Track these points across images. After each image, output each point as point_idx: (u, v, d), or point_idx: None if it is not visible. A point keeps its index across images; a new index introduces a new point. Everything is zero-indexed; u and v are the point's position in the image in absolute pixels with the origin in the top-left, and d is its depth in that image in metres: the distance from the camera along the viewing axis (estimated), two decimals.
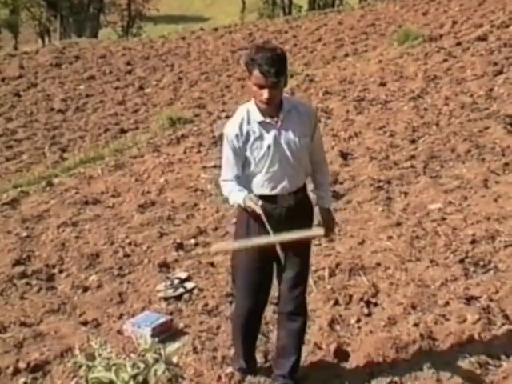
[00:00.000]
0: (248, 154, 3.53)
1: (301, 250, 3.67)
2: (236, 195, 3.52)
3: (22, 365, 4.28)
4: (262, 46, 3.43)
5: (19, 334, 4.64)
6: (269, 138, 3.50)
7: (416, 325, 4.38)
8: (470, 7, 19.15)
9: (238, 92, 14.80)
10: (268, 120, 3.50)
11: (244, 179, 3.57)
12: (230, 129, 3.56)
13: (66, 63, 18.38)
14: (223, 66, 17.53)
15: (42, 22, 41.49)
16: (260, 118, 3.50)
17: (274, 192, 3.58)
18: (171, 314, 4.82)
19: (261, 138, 3.51)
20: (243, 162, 3.56)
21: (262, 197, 3.54)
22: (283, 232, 3.48)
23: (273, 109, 3.49)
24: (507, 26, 13.13)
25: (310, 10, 33.93)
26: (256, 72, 3.36)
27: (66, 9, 39.71)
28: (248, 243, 3.58)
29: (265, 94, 3.38)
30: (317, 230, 3.73)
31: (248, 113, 3.51)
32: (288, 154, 3.53)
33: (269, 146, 3.50)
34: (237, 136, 3.52)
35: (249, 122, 3.52)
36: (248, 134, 3.51)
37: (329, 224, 3.83)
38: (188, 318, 4.79)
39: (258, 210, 3.41)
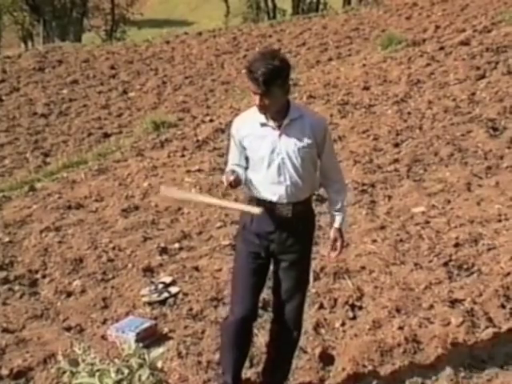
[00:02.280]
0: (248, 152, 3.55)
1: (298, 262, 3.63)
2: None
3: (4, 371, 4.23)
4: (262, 54, 3.42)
5: (1, 341, 4.59)
6: (268, 141, 3.49)
7: (400, 328, 4.39)
8: (453, 12, 19.30)
9: (222, 96, 14.80)
10: (270, 124, 3.49)
11: (248, 179, 3.59)
12: (235, 123, 3.64)
13: (49, 67, 18.27)
14: (207, 70, 17.52)
15: (24, 26, 41.22)
16: (263, 120, 3.50)
17: (271, 198, 3.54)
18: (156, 318, 4.79)
19: (261, 139, 3.51)
20: (246, 158, 3.58)
21: (260, 201, 3.55)
22: (276, 242, 3.56)
23: (276, 114, 3.47)
24: (489, 31, 13.24)
25: (294, 15, 34.00)
26: (249, 79, 3.38)
27: (49, 13, 39.52)
28: (192, 197, 3.65)
29: (256, 100, 3.39)
30: (254, 208, 3.65)
31: (255, 112, 3.51)
32: (287, 162, 3.49)
33: (267, 150, 3.49)
34: (237, 130, 3.58)
35: (252, 121, 3.53)
36: (249, 131, 3.53)
37: (335, 244, 3.75)
38: (172, 322, 4.77)
39: (225, 184, 3.41)
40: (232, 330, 3.69)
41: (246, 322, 3.67)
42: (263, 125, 3.51)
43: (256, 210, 3.52)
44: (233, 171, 3.46)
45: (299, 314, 3.75)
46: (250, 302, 3.67)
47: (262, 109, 3.42)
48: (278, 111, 3.46)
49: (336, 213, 3.73)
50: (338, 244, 3.73)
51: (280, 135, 3.48)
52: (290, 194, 3.53)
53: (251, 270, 3.64)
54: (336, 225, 3.73)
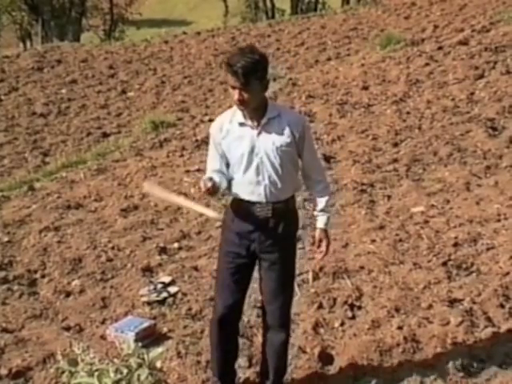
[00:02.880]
0: (227, 153, 3.54)
1: (280, 261, 3.61)
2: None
3: (3, 371, 4.23)
4: (241, 49, 3.43)
5: (0, 341, 4.59)
6: (246, 141, 3.48)
7: (400, 328, 4.39)
8: (452, 12, 19.32)
9: (221, 96, 14.79)
10: (248, 123, 3.49)
11: (229, 179, 3.58)
12: (214, 124, 3.62)
13: (48, 67, 18.26)
14: (206, 69, 17.51)
15: (23, 25, 41.18)
16: (241, 119, 3.49)
17: (250, 198, 3.54)
18: (155, 318, 4.79)
19: (239, 139, 3.50)
20: (226, 161, 3.57)
21: (240, 201, 3.56)
22: (257, 242, 3.56)
23: (254, 113, 3.46)
24: (488, 31, 13.25)
25: (292, 14, 33.99)
26: (228, 73, 3.38)
27: (47, 13, 39.46)
28: (169, 198, 3.71)
29: (235, 95, 3.37)
30: (212, 213, 3.64)
31: (233, 112, 3.52)
32: (265, 161, 3.48)
33: (245, 149, 3.48)
34: (216, 131, 3.57)
35: (231, 122, 3.53)
36: (228, 132, 3.52)
37: (320, 245, 3.74)
38: (172, 322, 4.77)
39: (203, 188, 3.40)
40: (215, 329, 3.75)
41: (227, 320, 3.68)
42: (241, 124, 3.50)
43: (212, 214, 3.57)
44: (210, 178, 3.44)
45: (284, 314, 3.71)
46: (232, 302, 3.66)
47: (241, 104, 3.39)
48: (256, 109, 3.45)
49: (320, 213, 3.70)
50: (324, 245, 3.71)
51: (258, 134, 3.48)
52: (269, 194, 3.51)
53: (232, 269, 3.63)
54: (320, 225, 3.71)
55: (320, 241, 3.71)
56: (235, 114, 3.51)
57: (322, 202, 3.69)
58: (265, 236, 3.57)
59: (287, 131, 3.48)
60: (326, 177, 3.80)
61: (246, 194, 3.55)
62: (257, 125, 3.48)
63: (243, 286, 3.70)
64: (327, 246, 3.72)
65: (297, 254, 3.78)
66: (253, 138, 3.48)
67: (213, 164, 3.61)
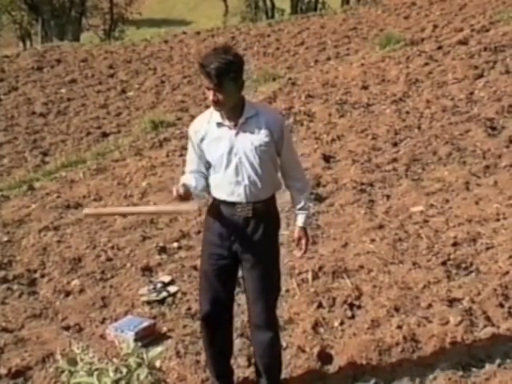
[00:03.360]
0: (207, 154, 3.54)
1: (261, 262, 3.58)
2: None
3: (3, 371, 4.24)
4: (215, 49, 3.41)
5: (0, 340, 4.60)
6: (225, 141, 3.47)
7: (399, 327, 4.39)
8: (451, 11, 19.32)
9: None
10: (226, 123, 3.48)
11: (208, 180, 3.60)
12: (192, 125, 3.63)
13: (48, 67, 18.27)
14: None
15: (23, 25, 41.19)
16: (219, 119, 3.49)
17: (230, 198, 3.53)
18: (154, 318, 4.80)
19: (218, 139, 3.49)
20: (205, 161, 3.57)
21: (220, 202, 3.56)
22: (238, 243, 3.55)
23: (231, 113, 3.45)
24: (487, 31, 13.25)
25: (292, 14, 33.98)
26: (202, 74, 3.39)
27: (47, 12, 39.44)
28: (118, 210, 3.63)
29: (210, 95, 3.38)
30: (188, 205, 3.61)
31: (211, 113, 3.52)
32: (244, 161, 3.47)
33: (224, 150, 3.47)
34: (195, 132, 3.57)
35: (209, 122, 3.53)
36: (206, 133, 3.52)
37: (300, 244, 3.72)
38: (171, 321, 4.77)
39: (174, 194, 3.40)
40: (203, 330, 3.77)
41: (213, 320, 3.67)
42: (219, 125, 3.49)
43: (192, 207, 3.54)
44: (183, 185, 3.45)
45: (270, 314, 3.66)
46: (216, 302, 3.64)
47: (216, 105, 3.40)
48: (233, 109, 3.44)
49: (299, 212, 3.70)
50: (303, 243, 3.71)
51: (236, 134, 3.47)
52: (248, 194, 3.50)
53: (215, 271, 3.63)
54: (299, 224, 3.70)
55: (299, 239, 3.72)
56: (213, 115, 3.51)
57: (300, 200, 3.69)
58: (246, 236, 3.55)
59: (265, 130, 3.47)
60: (305, 175, 3.81)
61: (226, 195, 3.54)
62: (234, 125, 3.47)
63: (228, 286, 3.69)
64: (306, 244, 3.72)
65: (280, 253, 3.74)
66: (231, 138, 3.47)
67: (191, 165, 3.62)
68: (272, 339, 3.69)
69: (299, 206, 3.69)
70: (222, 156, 3.48)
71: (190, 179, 3.56)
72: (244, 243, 3.56)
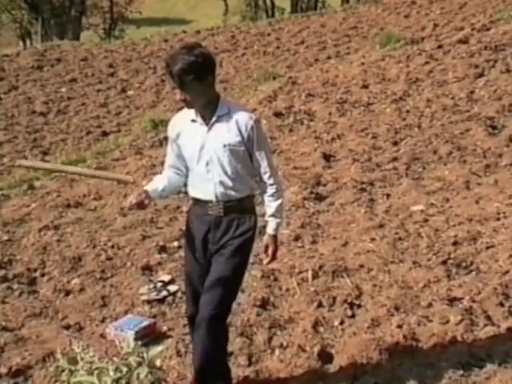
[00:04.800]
0: (182, 150, 3.57)
1: (227, 259, 3.52)
2: None
3: (3, 370, 4.23)
4: (181, 48, 3.41)
5: (0, 339, 4.59)
6: (197, 138, 3.49)
7: (399, 326, 4.39)
8: (451, 10, 19.32)
9: (221, 94, 14.77)
10: (199, 120, 3.48)
11: (186, 177, 3.64)
12: (170, 121, 3.65)
13: (48, 66, 18.27)
14: None
15: (23, 24, 41.15)
16: (193, 116, 3.50)
17: (202, 196, 3.53)
18: (154, 317, 4.80)
19: (191, 136, 3.51)
20: (183, 158, 3.59)
21: (195, 200, 3.59)
22: (211, 242, 3.53)
23: (204, 110, 3.45)
24: (488, 29, 13.24)
25: (292, 13, 33.96)
26: (167, 73, 3.40)
27: (47, 11, 39.41)
28: (52, 166, 3.65)
29: (177, 94, 3.40)
30: (124, 176, 3.58)
31: (188, 110, 3.52)
32: (214, 159, 3.46)
33: (196, 147, 3.48)
34: (172, 128, 3.61)
35: (185, 119, 3.54)
36: (181, 129, 3.55)
37: (267, 251, 3.64)
38: (171, 321, 4.77)
39: (133, 201, 3.44)
40: (188, 326, 3.78)
41: (194, 320, 3.63)
42: (193, 122, 3.50)
43: (128, 178, 3.53)
44: (145, 191, 3.49)
45: (216, 307, 3.49)
46: (197, 303, 3.61)
47: (184, 103, 3.41)
48: (206, 107, 3.44)
49: (270, 218, 3.60)
50: (270, 250, 3.62)
51: (208, 132, 3.47)
52: (219, 193, 3.49)
53: (194, 272, 3.64)
54: (269, 231, 3.61)
55: (266, 246, 3.63)
56: (190, 112, 3.51)
57: (271, 206, 3.59)
58: (219, 236, 3.54)
59: (235, 130, 3.44)
60: (279, 181, 3.63)
61: (198, 193, 3.56)
62: (206, 122, 3.47)
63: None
64: (273, 252, 3.63)
65: (249, 259, 3.65)
66: (203, 136, 3.48)
67: (169, 160, 3.67)
68: (204, 336, 3.51)
69: (269, 213, 3.59)
70: (194, 153, 3.50)
71: (161, 180, 3.63)
72: (217, 243, 3.54)
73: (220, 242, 3.54)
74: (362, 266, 5.33)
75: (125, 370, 3.05)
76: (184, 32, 22.87)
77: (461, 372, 4.01)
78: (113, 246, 6.07)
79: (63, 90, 16.19)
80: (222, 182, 3.48)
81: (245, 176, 3.53)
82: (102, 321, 4.84)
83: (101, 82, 16.89)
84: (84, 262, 5.80)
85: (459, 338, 4.26)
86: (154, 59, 18.89)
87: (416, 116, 9.32)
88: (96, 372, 3.02)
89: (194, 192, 3.59)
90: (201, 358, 3.58)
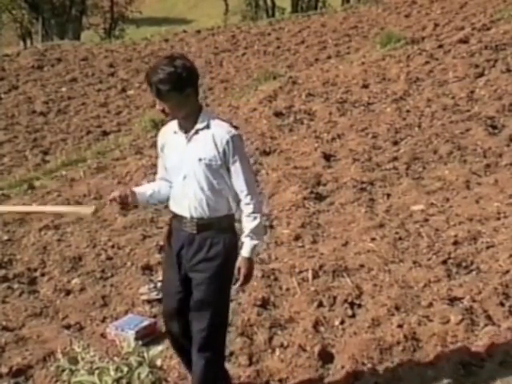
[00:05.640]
0: (165, 161, 3.55)
1: (205, 283, 3.44)
2: None
3: (3, 369, 4.24)
4: (162, 59, 3.37)
5: (1, 339, 4.60)
6: (177, 151, 3.43)
7: (400, 326, 4.39)
8: (452, 10, 19.31)
9: (221, 94, 14.80)
10: (180, 133, 3.43)
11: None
12: (159, 132, 3.64)
13: (48, 65, 18.27)
14: (206, 68, 17.51)
15: (23, 24, 41.14)
16: (176, 128, 3.45)
17: (178, 211, 3.48)
18: (155, 316, 4.79)
19: (173, 149, 3.47)
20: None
21: (173, 214, 3.55)
22: (185, 258, 3.47)
23: (185, 122, 3.40)
24: (488, 29, 13.23)
25: (293, 13, 33.95)
26: (146, 83, 3.37)
27: (47, 11, 39.40)
28: (14, 209, 3.65)
29: (157, 105, 3.37)
30: (85, 208, 3.55)
31: (174, 121, 3.48)
32: (191, 174, 3.38)
33: (176, 159, 3.44)
34: (159, 138, 3.60)
35: (169, 130, 3.52)
36: (166, 140, 3.53)
37: (240, 274, 3.46)
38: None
39: (116, 196, 3.44)
40: (164, 326, 3.79)
41: (172, 326, 3.63)
42: (175, 133, 3.46)
43: (88, 210, 3.50)
44: (131, 192, 3.48)
45: (205, 339, 3.47)
46: (169, 315, 3.62)
47: (164, 114, 3.38)
48: (187, 118, 3.38)
49: (245, 239, 3.44)
50: (241, 274, 3.45)
51: (187, 145, 3.41)
52: (193, 209, 3.40)
53: (168, 283, 3.62)
54: (242, 252, 3.44)
55: (239, 268, 3.46)
56: (174, 123, 3.48)
57: (247, 227, 3.43)
58: (191, 254, 3.46)
59: (211, 144, 3.34)
60: (257, 200, 3.46)
61: (175, 207, 3.51)
62: (186, 135, 3.42)
63: (184, 299, 3.55)
64: (245, 276, 3.46)
65: (232, 279, 3.50)
66: (182, 149, 3.42)
67: (159, 172, 3.67)
68: (204, 366, 3.50)
69: (245, 234, 3.44)
70: (174, 165, 3.46)
71: (152, 186, 3.63)
72: (190, 260, 3.47)
73: (193, 261, 3.45)
74: (362, 266, 5.33)
75: (125, 369, 3.05)
76: (184, 32, 22.86)
77: (461, 372, 4.01)
78: (113, 246, 6.07)
79: (63, 89, 16.20)
80: (196, 198, 3.39)
81: (223, 194, 3.42)
82: (103, 320, 4.85)
83: (101, 81, 16.89)
84: (84, 262, 5.80)
85: (460, 338, 4.26)
86: (154, 59, 18.83)
87: (416, 116, 9.31)
88: (97, 372, 3.03)
89: (173, 206, 3.53)
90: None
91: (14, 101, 15.28)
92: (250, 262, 3.47)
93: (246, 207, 3.43)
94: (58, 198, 7.52)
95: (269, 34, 20.88)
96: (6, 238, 6.43)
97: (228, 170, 3.39)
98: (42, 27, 36.95)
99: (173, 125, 3.50)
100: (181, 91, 3.28)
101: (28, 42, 41.27)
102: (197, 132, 3.38)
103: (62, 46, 21.05)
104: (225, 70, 17.22)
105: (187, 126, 3.40)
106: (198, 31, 22.61)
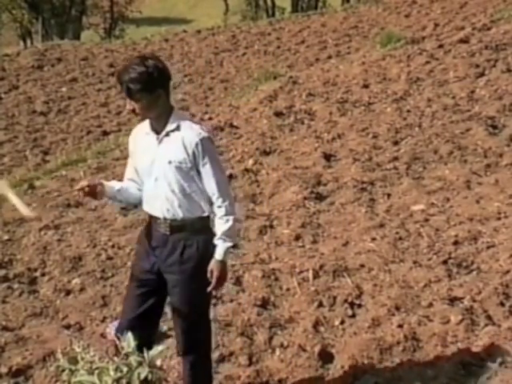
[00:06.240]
0: (136, 163, 3.52)
1: (181, 284, 3.44)
2: None
3: (3, 369, 4.23)
4: (134, 58, 3.36)
5: (1, 339, 4.59)
6: (149, 153, 3.42)
7: (400, 326, 4.39)
8: (452, 10, 19.31)
9: (221, 94, 14.79)
10: (151, 134, 3.42)
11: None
12: (131, 133, 3.61)
13: (48, 65, 18.25)
14: (206, 68, 17.50)
15: (23, 24, 41.11)
16: (147, 130, 3.44)
17: (150, 211, 3.48)
18: None
19: (144, 150, 3.45)
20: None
21: (148, 215, 3.53)
22: (159, 259, 3.44)
23: (156, 123, 3.39)
24: (488, 29, 13.23)
25: (293, 13, 33.94)
26: (117, 82, 3.36)
27: (47, 11, 39.39)
28: None
29: (127, 105, 3.36)
30: (27, 211, 3.55)
31: (145, 122, 3.46)
32: (162, 175, 3.37)
33: (147, 160, 3.43)
34: (131, 139, 3.58)
35: (141, 131, 3.50)
36: (137, 142, 3.51)
37: (212, 277, 3.43)
38: (171, 320, 4.75)
39: (78, 186, 3.41)
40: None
41: (124, 332, 3.41)
42: (147, 134, 3.44)
43: (30, 213, 3.49)
44: (100, 183, 3.45)
45: (188, 341, 3.51)
46: (132, 316, 3.54)
47: (134, 114, 3.37)
48: (158, 120, 3.37)
49: (218, 242, 3.43)
50: (214, 277, 3.42)
51: (157, 146, 3.39)
52: (165, 210, 3.40)
53: (138, 282, 3.56)
54: (215, 255, 3.42)
55: (211, 271, 3.43)
56: (146, 124, 3.46)
57: (220, 229, 3.42)
58: (165, 255, 3.45)
59: (181, 146, 3.33)
60: (229, 203, 3.42)
61: (148, 208, 3.51)
62: (157, 136, 3.41)
63: (150, 302, 3.54)
64: (218, 279, 3.43)
65: (207, 281, 3.46)
66: (153, 151, 3.41)
67: (127, 173, 3.62)
68: (191, 369, 3.53)
69: (218, 237, 3.42)
70: (145, 167, 3.45)
71: (119, 183, 3.59)
72: (164, 261, 3.46)
73: (166, 262, 3.45)
74: (362, 266, 5.33)
75: (125, 369, 3.04)
76: (184, 31, 22.84)
77: (462, 372, 4.01)
78: (113, 246, 6.07)
79: (64, 89, 16.18)
80: (168, 200, 3.39)
81: (195, 196, 3.40)
82: (103, 320, 4.84)
83: (101, 81, 16.88)
84: (84, 262, 5.80)
85: (460, 338, 4.26)
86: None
87: (417, 115, 9.31)
88: (96, 372, 3.02)
89: (146, 206, 3.52)
90: None
91: (14, 101, 15.27)
92: (222, 264, 3.45)
93: (218, 210, 3.41)
94: (58, 198, 7.51)
95: (269, 34, 20.87)
96: (6, 237, 6.43)
97: (199, 172, 3.38)
98: (42, 27, 36.96)
99: (144, 126, 3.48)
100: (151, 91, 3.27)
101: (28, 41, 41.25)
102: (167, 134, 3.37)
103: (62, 45, 21.04)
104: (225, 70, 17.21)
105: (158, 127, 3.39)
106: (198, 31, 22.59)
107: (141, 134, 3.49)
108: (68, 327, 4.78)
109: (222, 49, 19.35)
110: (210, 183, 3.38)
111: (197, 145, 3.32)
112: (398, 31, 15.65)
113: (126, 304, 3.65)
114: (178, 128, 3.36)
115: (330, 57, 16.38)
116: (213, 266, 3.43)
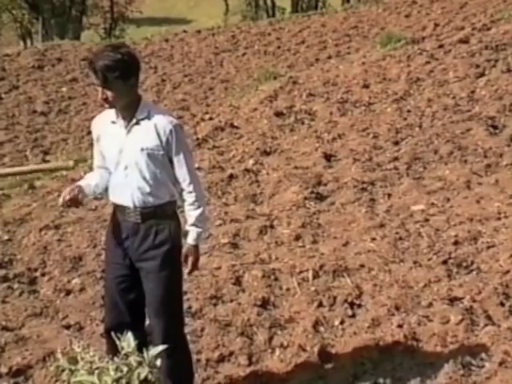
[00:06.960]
0: (103, 152, 3.52)
1: (155, 272, 3.45)
2: None
3: (3, 369, 4.24)
4: (106, 46, 3.36)
5: (1, 339, 4.59)
6: (117, 140, 3.42)
7: (400, 326, 4.39)
8: (452, 10, 19.31)
9: (222, 94, 14.80)
10: (119, 122, 3.42)
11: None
12: (93, 121, 3.61)
13: (49, 65, 18.27)
14: (206, 68, 17.52)
15: (23, 24, 41.15)
16: (114, 118, 3.44)
17: (120, 202, 3.47)
18: None
19: (111, 139, 3.45)
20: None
21: (115, 205, 3.52)
22: (130, 250, 3.45)
23: (124, 112, 3.39)
24: (488, 29, 13.22)
25: (293, 13, 33.94)
26: (90, 70, 3.35)
27: (48, 11, 39.39)
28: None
29: (99, 93, 3.34)
30: (63, 163, 3.55)
31: (110, 110, 3.45)
32: (132, 164, 3.38)
33: (115, 149, 3.42)
34: (94, 129, 3.57)
35: (106, 119, 3.49)
36: (102, 130, 3.50)
37: (186, 261, 3.55)
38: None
39: (67, 196, 3.42)
40: (106, 341, 3.65)
41: (112, 331, 3.37)
42: (113, 123, 3.44)
43: (67, 164, 3.48)
44: (78, 186, 3.43)
45: (167, 330, 3.50)
46: (115, 313, 3.56)
47: (106, 102, 3.35)
48: (126, 108, 3.38)
49: (190, 228, 3.54)
50: (189, 261, 3.55)
51: (127, 135, 3.40)
52: (135, 199, 3.41)
53: (115, 279, 3.55)
54: (189, 240, 3.54)
55: (186, 256, 3.55)
56: (111, 112, 3.45)
57: (191, 215, 3.52)
58: (137, 243, 3.46)
59: (154, 134, 3.36)
60: (200, 189, 3.54)
61: (117, 198, 3.49)
62: (126, 125, 3.41)
63: (130, 296, 3.55)
64: (194, 262, 3.56)
65: (180, 266, 3.56)
66: (122, 139, 3.41)
67: (96, 160, 3.61)
68: (175, 362, 3.50)
69: (190, 223, 3.52)
70: (113, 156, 3.44)
71: (93, 177, 3.56)
72: (136, 250, 3.46)
73: (139, 250, 3.46)
74: (362, 266, 5.33)
75: (125, 369, 3.04)
76: (185, 32, 22.85)
77: (461, 372, 4.02)
78: None
79: (64, 89, 16.20)
80: (139, 188, 3.40)
81: (165, 182, 3.45)
82: (103, 320, 4.83)
83: None
84: (84, 262, 5.80)
85: (460, 338, 4.26)
86: (154, 59, 18.89)
87: (417, 116, 9.31)
88: (96, 372, 3.02)
89: (113, 197, 3.52)
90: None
91: (14, 101, 15.29)
92: (196, 249, 3.56)
93: (189, 195, 3.48)
94: (59, 198, 7.51)
95: (269, 34, 20.87)
96: (6, 237, 6.43)
97: (170, 159, 3.42)
98: (42, 27, 36.96)
99: (109, 114, 3.47)
100: (125, 79, 3.29)
101: (28, 41, 41.27)
102: (137, 122, 3.38)
103: (63, 45, 21.04)
104: (225, 70, 17.22)
105: (127, 116, 3.39)
106: (198, 31, 22.60)
107: (105, 123, 3.48)
108: (68, 327, 4.78)
109: (222, 49, 19.36)
110: (181, 169, 3.44)
111: (171, 132, 3.36)
112: (398, 31, 15.65)
113: (108, 303, 3.65)
114: (148, 116, 3.38)
115: (330, 57, 16.39)
116: (187, 250, 3.54)
